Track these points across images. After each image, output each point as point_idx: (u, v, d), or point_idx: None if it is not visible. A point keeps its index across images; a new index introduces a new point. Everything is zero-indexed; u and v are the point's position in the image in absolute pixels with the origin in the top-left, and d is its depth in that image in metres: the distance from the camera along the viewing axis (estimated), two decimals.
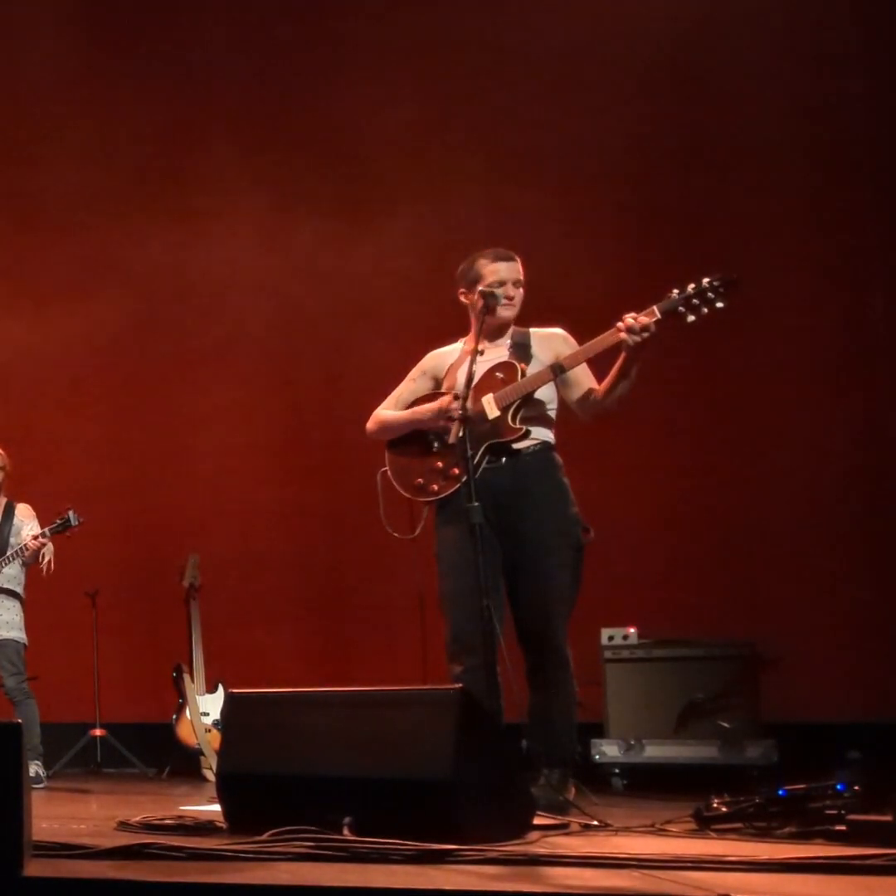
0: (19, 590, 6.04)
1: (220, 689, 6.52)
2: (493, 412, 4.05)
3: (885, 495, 6.02)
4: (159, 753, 6.71)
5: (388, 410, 4.36)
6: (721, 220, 6.44)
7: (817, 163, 6.34)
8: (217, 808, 3.37)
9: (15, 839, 2.37)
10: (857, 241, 6.26)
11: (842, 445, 6.14)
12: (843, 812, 2.92)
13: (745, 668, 5.36)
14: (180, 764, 6.46)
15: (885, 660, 5.77)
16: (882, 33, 6.26)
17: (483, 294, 4.06)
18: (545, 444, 4.11)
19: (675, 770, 5.23)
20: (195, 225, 7.64)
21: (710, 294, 3.78)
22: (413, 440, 4.25)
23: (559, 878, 2.38)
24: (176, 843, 2.74)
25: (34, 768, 5.64)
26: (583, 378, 4.11)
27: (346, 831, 2.85)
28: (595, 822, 3.42)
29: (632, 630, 5.54)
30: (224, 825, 3.25)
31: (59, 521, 5.83)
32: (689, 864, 2.46)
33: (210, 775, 5.88)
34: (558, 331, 4.21)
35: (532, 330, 4.22)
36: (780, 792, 3.09)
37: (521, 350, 4.16)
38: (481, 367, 4.05)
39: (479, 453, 3.98)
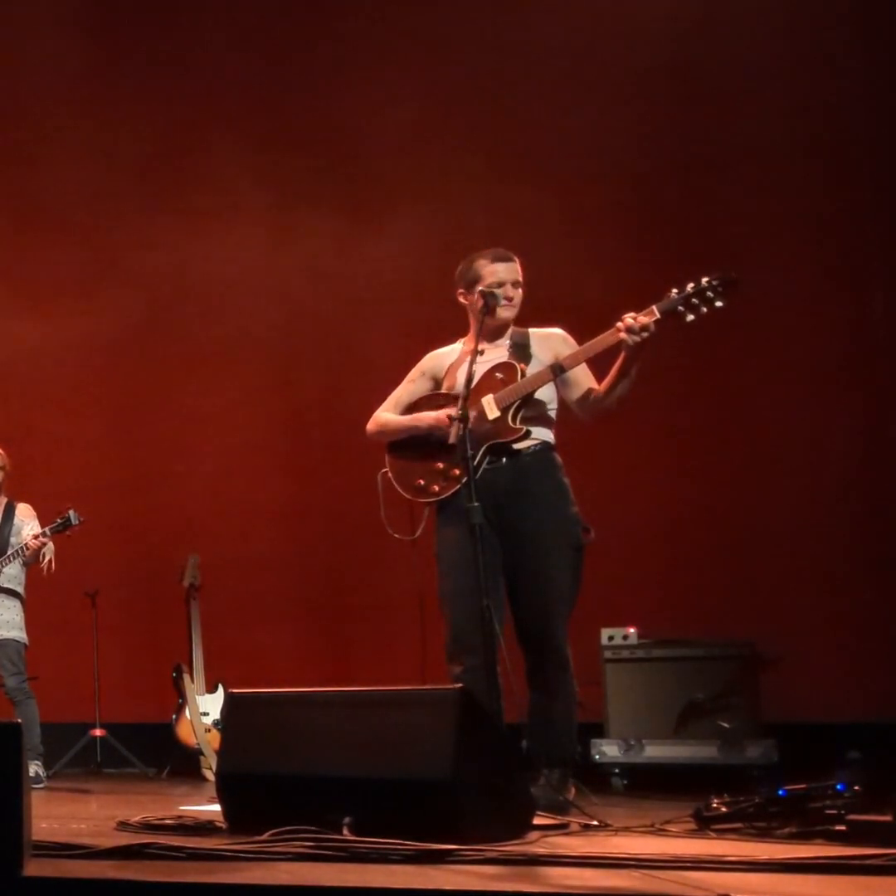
0: (20, 589, 6.04)
1: (220, 689, 6.53)
2: (493, 413, 4.05)
3: (886, 495, 6.02)
4: (159, 753, 6.72)
5: (388, 413, 4.36)
6: (721, 220, 6.44)
7: (817, 163, 6.34)
8: (217, 808, 3.37)
9: (15, 839, 2.37)
10: (857, 241, 6.26)
11: (842, 445, 6.14)
12: (843, 812, 2.91)
13: (745, 668, 5.35)
14: (180, 764, 6.46)
15: (885, 660, 5.77)
16: (882, 33, 6.26)
17: (483, 294, 4.06)
18: (545, 444, 4.11)
19: (675, 770, 5.23)
20: (195, 225, 7.64)
21: (709, 293, 3.78)
22: (414, 441, 4.24)
23: (559, 878, 2.38)
24: (176, 843, 2.74)
25: (34, 768, 5.64)
26: (582, 378, 4.11)
27: (345, 831, 2.85)
28: (595, 822, 3.42)
29: (632, 630, 5.54)
30: (224, 825, 3.25)
31: (59, 521, 5.83)
32: (689, 864, 2.46)
33: (210, 775, 5.88)
34: (557, 331, 4.21)
35: (531, 330, 4.22)
36: (780, 792, 3.09)
37: (521, 350, 4.16)
38: (481, 368, 4.05)
39: (480, 454, 3.99)
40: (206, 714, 6.44)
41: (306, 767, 3.14)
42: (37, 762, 5.77)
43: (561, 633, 3.98)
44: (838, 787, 3.02)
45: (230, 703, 3.76)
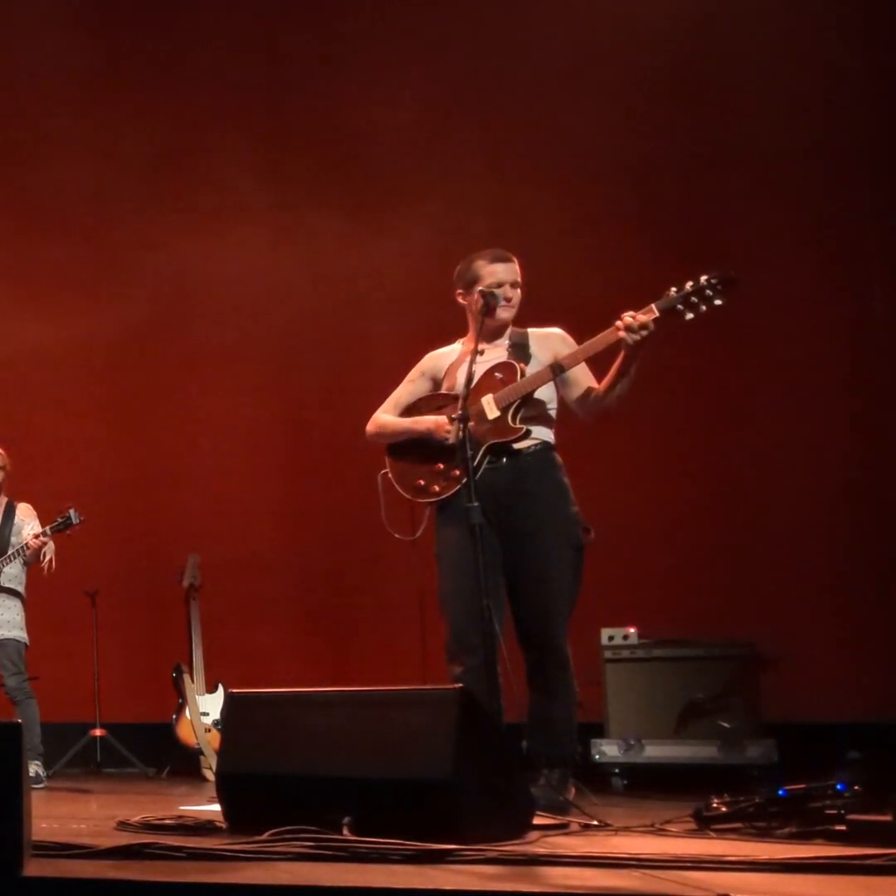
0: (20, 589, 6.04)
1: (220, 689, 6.52)
2: (492, 412, 4.05)
3: (886, 495, 6.02)
4: (159, 753, 6.72)
5: (387, 415, 4.36)
6: (721, 220, 6.45)
7: (817, 163, 6.34)
8: (217, 808, 3.37)
9: (15, 839, 2.37)
10: (857, 241, 6.26)
11: (842, 445, 6.14)
12: (843, 812, 2.91)
13: (745, 668, 5.36)
14: (180, 764, 6.46)
15: (885, 660, 5.77)
16: (882, 33, 6.26)
17: (483, 294, 4.06)
18: (545, 443, 4.11)
19: (675, 770, 5.23)
20: (196, 224, 7.64)
21: (708, 292, 3.78)
22: (414, 443, 4.24)
23: (559, 878, 2.38)
24: (176, 843, 2.74)
25: (34, 768, 5.64)
26: (582, 377, 4.11)
27: (345, 831, 2.85)
28: (595, 822, 3.42)
29: (632, 630, 5.54)
30: (224, 825, 3.25)
31: (60, 520, 5.83)
32: (689, 864, 2.46)
33: (210, 775, 5.88)
34: (556, 330, 4.21)
35: (530, 330, 4.22)
36: (780, 792, 3.09)
37: (520, 350, 4.16)
38: (480, 368, 4.05)
39: (480, 454, 3.99)
40: (206, 714, 6.44)
41: (306, 767, 3.14)
42: (37, 762, 5.77)
43: (561, 633, 3.98)
44: (838, 787, 3.01)
45: (230, 703, 3.76)
